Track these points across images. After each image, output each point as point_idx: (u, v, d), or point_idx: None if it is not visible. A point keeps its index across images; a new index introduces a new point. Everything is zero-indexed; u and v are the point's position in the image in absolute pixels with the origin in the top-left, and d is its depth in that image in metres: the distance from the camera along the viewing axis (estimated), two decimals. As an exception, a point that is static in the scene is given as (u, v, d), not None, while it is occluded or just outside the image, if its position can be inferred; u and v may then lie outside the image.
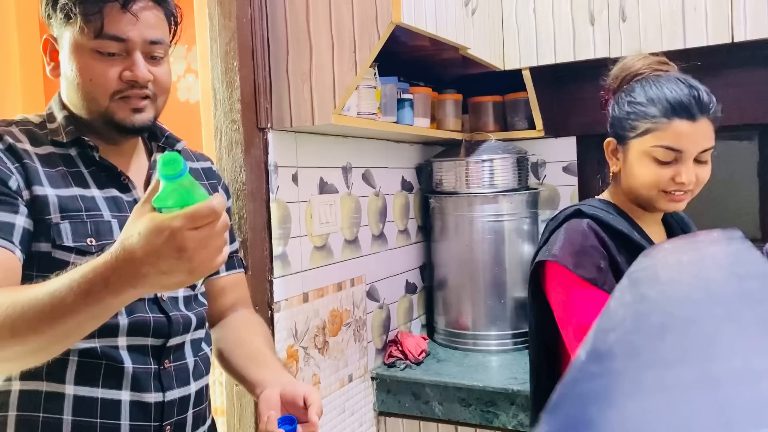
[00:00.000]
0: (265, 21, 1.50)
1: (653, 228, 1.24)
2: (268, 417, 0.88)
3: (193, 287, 1.03)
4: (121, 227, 0.86)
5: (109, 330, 0.88)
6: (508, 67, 2.01)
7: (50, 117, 0.95)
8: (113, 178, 0.95)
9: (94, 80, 0.89)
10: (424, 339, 2.06)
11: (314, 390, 0.94)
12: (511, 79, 2.07)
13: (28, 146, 0.89)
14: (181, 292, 0.99)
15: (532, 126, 2.12)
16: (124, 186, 0.96)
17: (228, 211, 1.13)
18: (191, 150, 1.15)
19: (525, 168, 2.10)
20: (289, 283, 1.57)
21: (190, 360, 0.99)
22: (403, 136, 2.00)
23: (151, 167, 1.01)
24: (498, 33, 1.99)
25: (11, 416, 0.87)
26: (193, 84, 2.78)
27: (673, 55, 1.82)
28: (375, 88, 1.65)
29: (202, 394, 1.02)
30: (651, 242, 1.19)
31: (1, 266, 0.80)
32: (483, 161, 2.03)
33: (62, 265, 0.83)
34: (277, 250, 1.53)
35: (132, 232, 0.69)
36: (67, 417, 0.87)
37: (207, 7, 1.45)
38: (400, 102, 1.80)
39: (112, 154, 0.96)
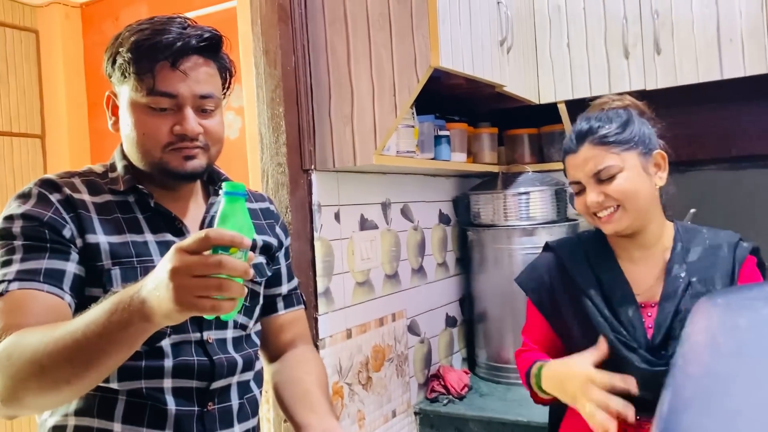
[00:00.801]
0: (308, 68, 1.56)
1: (642, 264, 1.22)
2: None
3: (244, 327, 1.03)
4: None
5: (154, 372, 0.91)
6: (543, 101, 2.03)
7: (112, 167, 1.01)
8: (168, 222, 0.98)
9: (147, 134, 0.94)
10: (466, 373, 2.06)
11: None
12: (546, 111, 2.10)
13: (86, 196, 0.95)
14: (230, 333, 1.00)
15: (568, 158, 2.13)
16: (178, 230, 0.99)
17: (287, 250, 1.17)
18: (250, 191, 1.17)
19: (563, 199, 2.11)
20: (333, 320, 1.60)
21: (235, 402, 0.99)
22: (441, 171, 2.03)
23: (207, 211, 1.04)
24: (532, 68, 2.02)
25: None
26: (233, 121, 2.88)
27: (710, 87, 1.83)
28: (413, 127, 1.69)
29: None
30: (617, 281, 1.22)
31: (50, 311, 0.85)
32: (520, 194, 2.04)
33: None
34: (321, 287, 1.56)
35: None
36: None
37: (253, 56, 1.52)
38: (437, 138, 1.84)
39: (168, 199, 1.00)
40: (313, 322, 1.54)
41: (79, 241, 0.90)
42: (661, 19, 1.84)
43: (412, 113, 1.70)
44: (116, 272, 0.90)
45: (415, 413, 1.92)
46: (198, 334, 0.96)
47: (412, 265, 1.97)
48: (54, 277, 0.87)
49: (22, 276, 0.86)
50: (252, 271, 0.74)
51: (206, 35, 0.94)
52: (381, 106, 1.49)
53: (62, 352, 0.76)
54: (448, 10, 1.49)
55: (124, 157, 1.00)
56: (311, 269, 1.54)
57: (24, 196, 0.93)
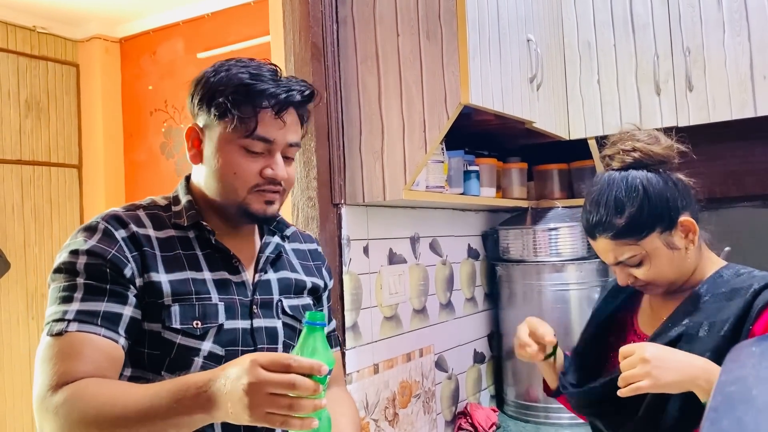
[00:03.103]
0: (340, 104, 1.59)
1: (668, 298, 1.21)
2: None
3: None
4: (227, 309, 0.97)
5: None
6: (573, 137, 2.03)
7: (175, 200, 1.04)
8: (226, 260, 1.01)
9: (238, 173, 0.97)
10: (494, 411, 2.02)
11: None
12: (576, 147, 2.09)
13: (150, 231, 0.97)
14: None
15: (599, 193, 2.11)
16: (234, 268, 1.01)
17: (329, 292, 1.21)
18: (300, 231, 1.22)
19: (593, 236, 2.08)
20: (360, 355, 1.59)
21: None
22: (470, 205, 2.03)
23: (262, 250, 1.07)
24: (562, 104, 2.02)
25: None
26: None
27: (744, 122, 1.81)
28: (442, 162, 1.70)
29: None
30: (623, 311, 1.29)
31: (105, 355, 0.87)
32: (550, 229, 2.02)
33: (169, 344, 0.92)
34: (349, 321, 1.56)
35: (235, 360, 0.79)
36: None
37: (286, 92, 1.55)
38: (467, 174, 1.84)
39: (226, 236, 1.02)
40: (340, 356, 1.53)
41: (139, 280, 0.93)
42: (693, 55, 1.84)
43: (442, 148, 1.71)
44: (175, 309, 0.93)
45: (442, 452, 1.88)
46: None
47: (440, 299, 1.96)
48: (111, 320, 0.89)
49: (82, 317, 0.88)
50: (325, 401, 0.79)
51: (307, 92, 1.00)
52: (411, 142, 1.50)
53: (125, 423, 0.79)
54: (479, 48, 1.51)
55: (189, 191, 1.03)
56: (339, 303, 1.54)
57: (90, 230, 0.94)
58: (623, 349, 1.08)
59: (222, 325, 0.96)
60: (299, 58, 1.53)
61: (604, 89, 1.98)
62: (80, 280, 0.90)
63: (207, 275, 0.98)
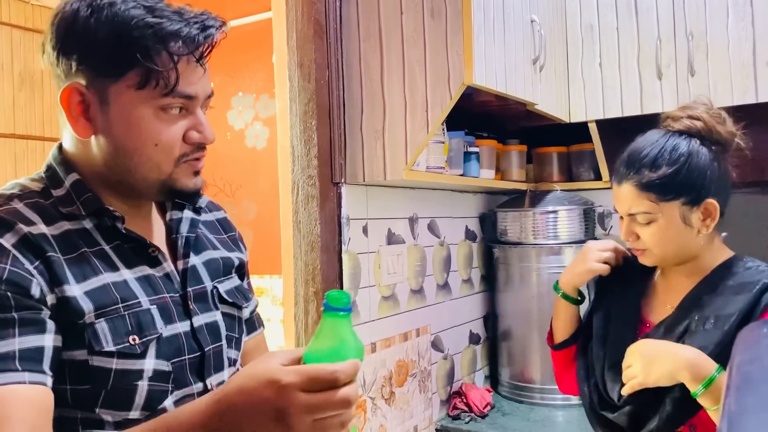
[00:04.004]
0: (342, 82, 1.58)
1: (674, 284, 1.22)
2: None
3: (235, 363, 0.91)
4: (162, 315, 0.78)
5: None
6: (573, 120, 2.03)
7: (53, 181, 0.79)
8: (139, 250, 0.81)
9: (160, 145, 0.76)
10: (489, 391, 2.05)
11: None
12: (575, 130, 2.09)
13: (43, 228, 0.73)
14: (226, 374, 0.88)
15: (597, 176, 2.12)
16: (153, 259, 0.82)
17: (244, 264, 0.99)
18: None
19: (591, 219, 2.09)
20: (358, 333, 1.59)
21: None
22: (468, 187, 2.03)
23: (176, 231, 0.88)
24: (564, 87, 2.01)
25: None
26: (260, 131, 2.92)
27: (744, 109, 1.81)
28: (443, 143, 1.70)
29: None
30: (631, 298, 1.28)
31: (38, 409, 0.67)
32: (548, 212, 2.03)
33: (102, 374, 0.72)
34: (347, 300, 1.56)
35: (244, 379, 0.64)
36: None
37: (287, 69, 1.53)
38: (467, 155, 1.84)
39: (131, 219, 0.81)
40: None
41: (50, 297, 0.71)
42: (696, 40, 1.83)
43: (443, 129, 1.70)
44: (102, 326, 0.72)
45: (437, 430, 1.90)
46: (200, 384, 0.82)
47: (437, 280, 1.96)
48: (32, 359, 0.68)
49: None
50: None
51: (222, 26, 0.79)
52: (413, 122, 1.49)
53: None
54: (483, 27, 1.50)
55: (71, 167, 0.79)
56: (338, 282, 1.55)
57: None
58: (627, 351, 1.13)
59: (161, 334, 0.77)
60: (301, 35, 1.52)
61: (605, 72, 1.97)
62: None
63: (126, 274, 0.78)
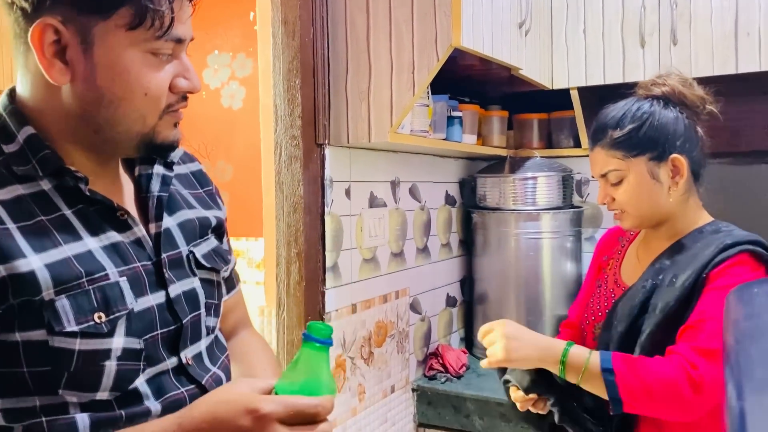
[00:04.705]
0: (327, 41, 1.55)
1: (652, 248, 1.25)
2: None
3: (213, 330, 0.85)
4: (132, 287, 0.70)
5: (142, 416, 0.70)
6: (556, 87, 2.03)
7: (4, 134, 0.69)
8: (106, 214, 0.72)
9: (149, 94, 0.69)
10: (464, 353, 2.09)
11: None
12: (556, 97, 2.09)
13: None
14: (203, 344, 0.81)
15: (577, 144, 2.14)
16: (122, 223, 0.73)
17: (222, 223, 0.91)
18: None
19: (570, 186, 2.12)
20: (339, 294, 1.61)
21: None
22: (449, 151, 2.03)
23: (145, 191, 0.79)
24: (547, 52, 2.01)
25: None
26: (237, 91, 2.86)
27: (722, 80, 1.84)
28: (427, 106, 1.69)
29: None
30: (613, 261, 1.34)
31: None
32: (528, 178, 2.05)
33: (64, 355, 0.65)
34: (329, 261, 1.57)
35: (215, 405, 0.60)
36: None
37: (271, 25, 1.50)
38: (450, 119, 1.83)
39: (96, 179, 0.72)
40: (320, 296, 1.55)
41: None
42: (680, 9, 1.83)
43: (428, 93, 1.69)
44: (63, 303, 0.64)
45: (413, 390, 1.94)
46: (175, 359, 0.75)
47: (417, 244, 1.98)
48: None
49: None
50: None
51: None
52: (399, 84, 1.48)
53: None
54: (471, -11, 1.48)
55: (25, 119, 0.70)
56: (320, 244, 1.55)
57: None
58: (483, 328, 1.23)
59: (132, 309, 0.70)
60: (285, -10, 1.48)
61: (589, 39, 1.97)
62: None
63: (91, 242, 0.69)
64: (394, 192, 1.84)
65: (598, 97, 2.17)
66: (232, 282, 0.96)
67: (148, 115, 0.70)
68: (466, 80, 2.02)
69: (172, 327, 0.75)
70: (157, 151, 0.75)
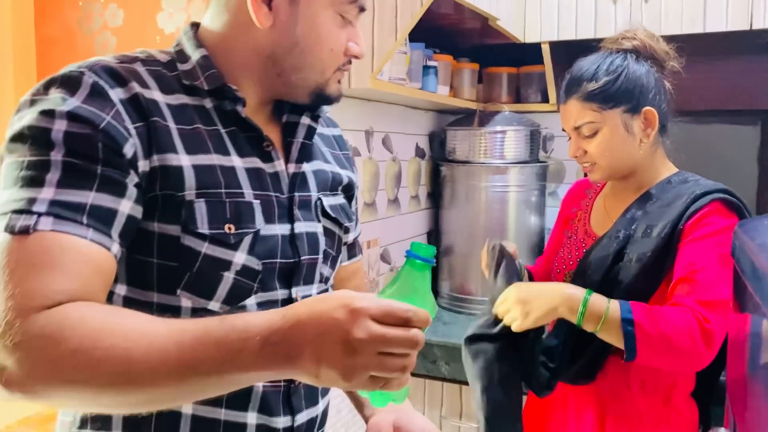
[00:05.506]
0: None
1: (620, 200, 1.30)
2: None
3: (327, 280, 0.88)
4: (264, 210, 0.75)
5: None
6: (528, 40, 2.03)
7: (181, 56, 0.77)
8: (255, 142, 0.78)
9: (334, 50, 0.77)
10: (431, 302, 2.13)
11: (434, 429, 0.85)
12: (525, 52, 2.10)
13: (157, 95, 0.71)
14: (315, 289, 0.84)
15: (545, 99, 2.16)
16: (267, 154, 0.79)
17: (353, 184, 0.96)
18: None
19: (537, 141, 2.15)
20: (314, 243, 1.60)
21: None
22: (421, 103, 2.02)
23: (288, 133, 0.84)
24: (521, 5, 2.01)
25: None
26: (193, 37, 2.73)
27: (692, 39, 1.88)
28: (405, 53, 1.67)
29: (326, 413, 0.88)
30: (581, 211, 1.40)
31: (95, 268, 0.62)
32: (497, 132, 2.07)
33: (190, 255, 0.70)
34: (305, 209, 1.55)
35: (315, 301, 0.61)
36: None
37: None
38: (426, 69, 1.82)
39: (251, 114, 0.79)
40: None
41: (143, 164, 0.67)
42: (652, -34, 1.86)
43: (406, 40, 1.66)
44: (200, 206, 0.70)
45: (383, 338, 1.97)
46: (286, 291, 0.79)
47: (388, 195, 1.98)
48: (102, 219, 0.63)
49: (59, 210, 0.61)
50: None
51: None
52: (381, 28, 1.45)
53: (148, 377, 0.57)
54: (455, -67, 1.45)
55: (201, 45, 0.77)
56: (297, 191, 1.52)
57: (71, 83, 0.66)
58: (497, 302, 1.21)
59: (259, 230, 0.74)
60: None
61: (563, -7, 1.98)
62: (56, 156, 0.62)
63: (236, 161, 0.75)
64: (368, 141, 1.83)
65: (567, 53, 2.19)
66: (354, 250, 1.02)
67: (327, 68, 0.78)
68: (437, 30, 2.00)
69: (291, 260, 0.79)
70: (325, 100, 0.81)
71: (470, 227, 2.13)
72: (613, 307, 1.10)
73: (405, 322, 0.59)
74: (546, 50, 2.03)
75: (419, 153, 2.20)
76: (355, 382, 0.58)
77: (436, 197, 2.29)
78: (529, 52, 2.08)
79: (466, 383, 1.88)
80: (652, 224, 1.19)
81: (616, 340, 1.11)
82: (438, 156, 2.29)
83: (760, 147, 2.10)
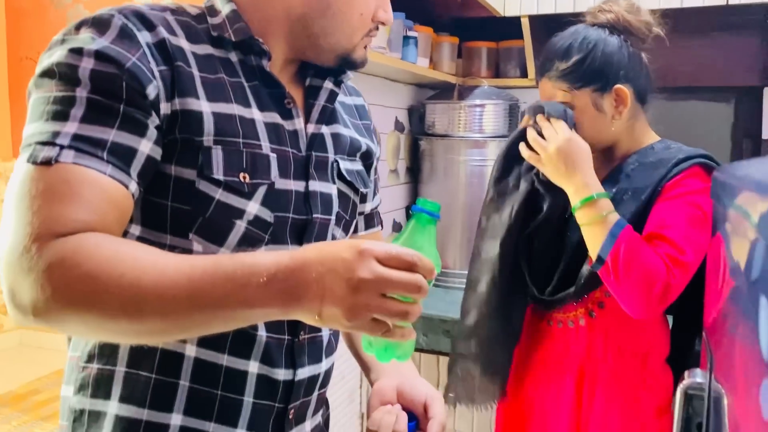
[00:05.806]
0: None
1: (599, 169, 1.29)
2: (397, 417, 0.81)
3: None
4: (279, 164, 0.76)
5: None
6: (508, 14, 2.03)
7: (211, 10, 0.78)
8: (276, 98, 0.79)
9: (363, 15, 0.79)
10: (410, 275, 2.14)
11: (438, 397, 0.86)
12: (504, 26, 2.11)
13: (184, 42, 0.73)
14: None
15: (524, 74, 2.17)
16: (287, 111, 0.79)
17: (372, 153, 0.96)
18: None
19: (515, 115, 2.16)
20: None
21: (325, 333, 0.85)
22: (400, 75, 2.01)
23: (314, 97, 0.84)
24: (501, -23, 2.00)
25: (118, 372, 0.73)
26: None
27: (666, 15, 1.90)
28: (385, 23, 1.65)
29: (329, 374, 0.89)
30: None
31: (111, 203, 0.64)
32: (476, 106, 2.07)
33: (204, 199, 0.71)
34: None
35: (323, 243, 0.63)
36: (184, 382, 0.73)
37: None
38: (406, 39, 1.81)
39: (275, 71, 0.80)
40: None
41: (165, 106, 0.69)
42: (631, -59, 1.87)
43: (386, 8, 1.65)
44: (217, 152, 0.71)
45: (361, 310, 1.98)
46: (297, 248, 0.77)
47: (367, 167, 1.97)
48: (121, 156, 0.65)
49: (81, 145, 0.63)
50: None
51: None
52: (361, -6, 1.43)
53: (158, 305, 0.59)
54: None
55: (231, 1, 0.78)
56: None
57: (100, 24, 0.68)
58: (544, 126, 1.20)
59: (273, 183, 0.75)
60: None
61: (543, -33, 1.98)
62: (81, 93, 0.64)
63: (256, 114, 0.76)
64: (347, 112, 1.82)
65: (547, 28, 2.20)
66: (372, 219, 1.02)
67: (356, 33, 0.79)
68: (417, 2, 1.99)
69: (303, 217, 0.79)
70: (350, 65, 0.82)
71: (449, 201, 2.14)
72: (613, 215, 1.14)
73: (410, 267, 0.60)
74: (525, 24, 2.03)
75: (398, 127, 2.20)
76: (356, 323, 0.60)
77: (415, 171, 2.29)
78: (509, 27, 2.08)
79: (444, 354, 1.90)
80: (634, 187, 1.21)
81: (594, 242, 1.14)
82: (417, 130, 2.28)
83: (734, 123, 2.14)
